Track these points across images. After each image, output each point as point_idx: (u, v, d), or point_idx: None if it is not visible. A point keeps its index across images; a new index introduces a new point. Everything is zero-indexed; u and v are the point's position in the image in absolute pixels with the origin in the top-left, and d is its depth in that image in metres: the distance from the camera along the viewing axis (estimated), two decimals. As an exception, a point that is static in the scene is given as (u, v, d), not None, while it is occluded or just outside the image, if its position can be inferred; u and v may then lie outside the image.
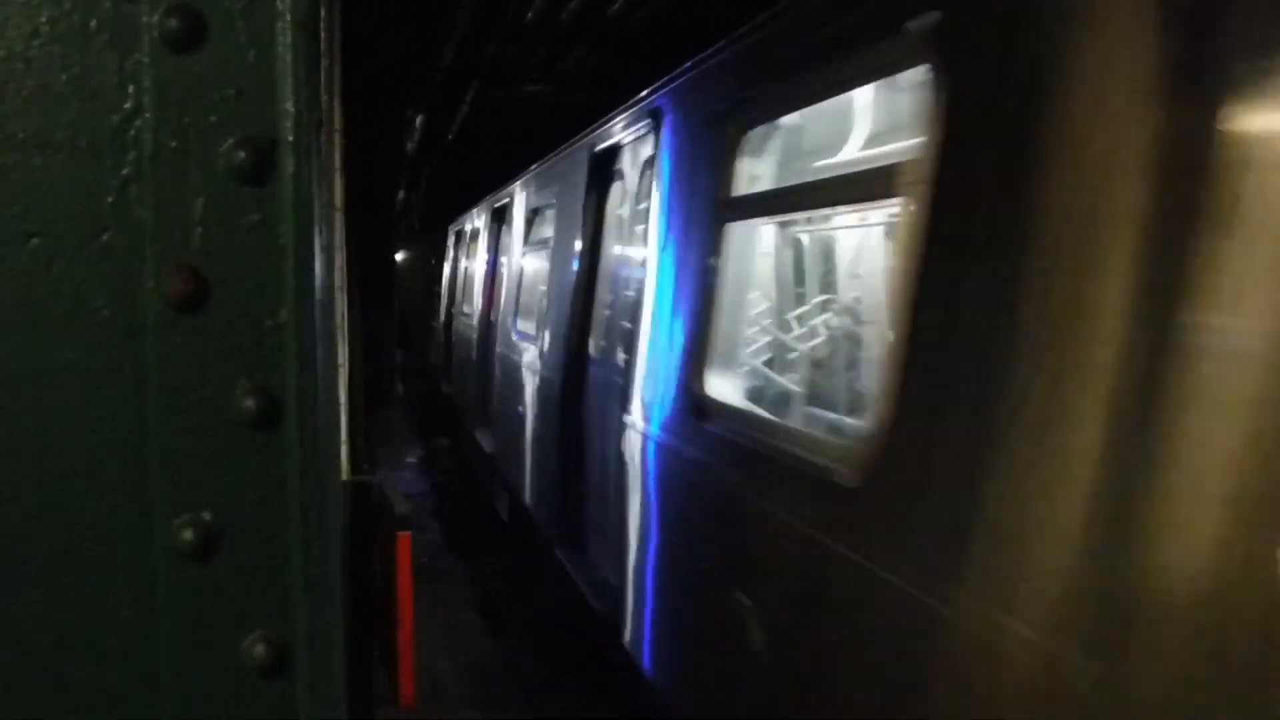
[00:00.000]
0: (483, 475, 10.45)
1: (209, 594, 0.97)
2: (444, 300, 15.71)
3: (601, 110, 6.23)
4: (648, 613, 4.76)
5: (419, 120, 12.39)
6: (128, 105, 0.93)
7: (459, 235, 14.85)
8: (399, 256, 22.60)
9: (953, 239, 2.46)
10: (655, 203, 4.97)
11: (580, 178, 6.56)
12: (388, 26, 7.20)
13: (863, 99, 4.22)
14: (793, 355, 4.82)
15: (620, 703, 5.49)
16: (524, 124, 11.68)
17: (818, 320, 4.81)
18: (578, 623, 5.81)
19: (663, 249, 4.76)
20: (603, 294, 6.24)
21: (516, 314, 8.93)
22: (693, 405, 4.08)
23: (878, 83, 3.56)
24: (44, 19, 0.92)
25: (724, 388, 4.09)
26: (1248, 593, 1.59)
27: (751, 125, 3.95)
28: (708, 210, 4.17)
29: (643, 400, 4.80)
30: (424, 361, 18.50)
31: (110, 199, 0.93)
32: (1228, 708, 1.63)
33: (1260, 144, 1.69)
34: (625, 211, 6.00)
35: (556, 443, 6.41)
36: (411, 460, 14.20)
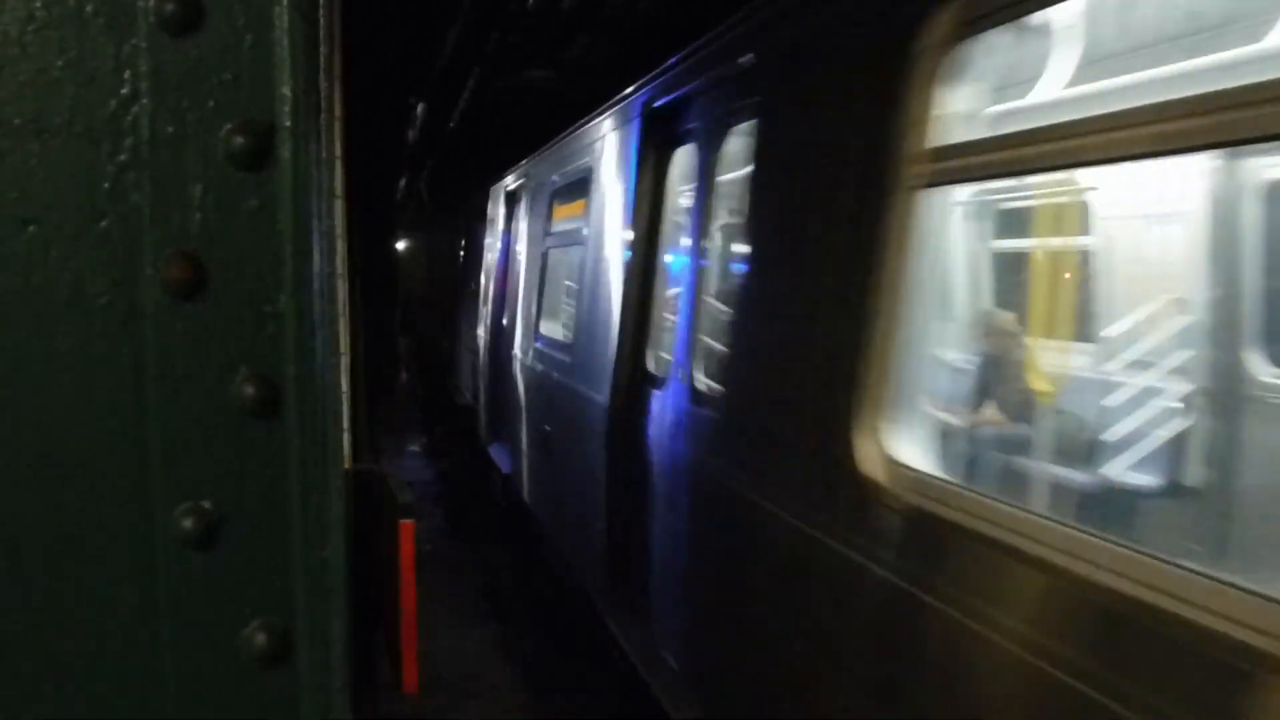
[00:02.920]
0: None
1: (210, 583, 0.96)
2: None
3: (607, 98, 6.24)
4: (522, 465, 8.42)
5: (420, 108, 12.35)
6: (125, 90, 0.92)
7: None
8: (402, 245, 22.62)
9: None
10: (524, 229, 9.11)
11: (500, 207, 10.70)
12: (390, 11, 7.17)
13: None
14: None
15: (623, 698, 5.51)
16: (527, 112, 11.64)
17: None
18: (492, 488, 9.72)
19: (531, 257, 8.62)
20: (511, 284, 9.92)
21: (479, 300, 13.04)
22: (535, 336, 8.06)
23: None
24: (39, 4, 0.91)
25: (549, 328, 8.22)
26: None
27: (556, 193, 7.94)
28: (541, 237, 8.23)
29: (520, 340, 8.70)
30: (427, 347, 18.57)
31: (108, 185, 0.92)
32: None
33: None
34: (520, 234, 9.54)
35: (489, 375, 10.31)
36: (415, 448, 14.21)
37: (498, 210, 11.27)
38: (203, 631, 0.97)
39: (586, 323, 6.26)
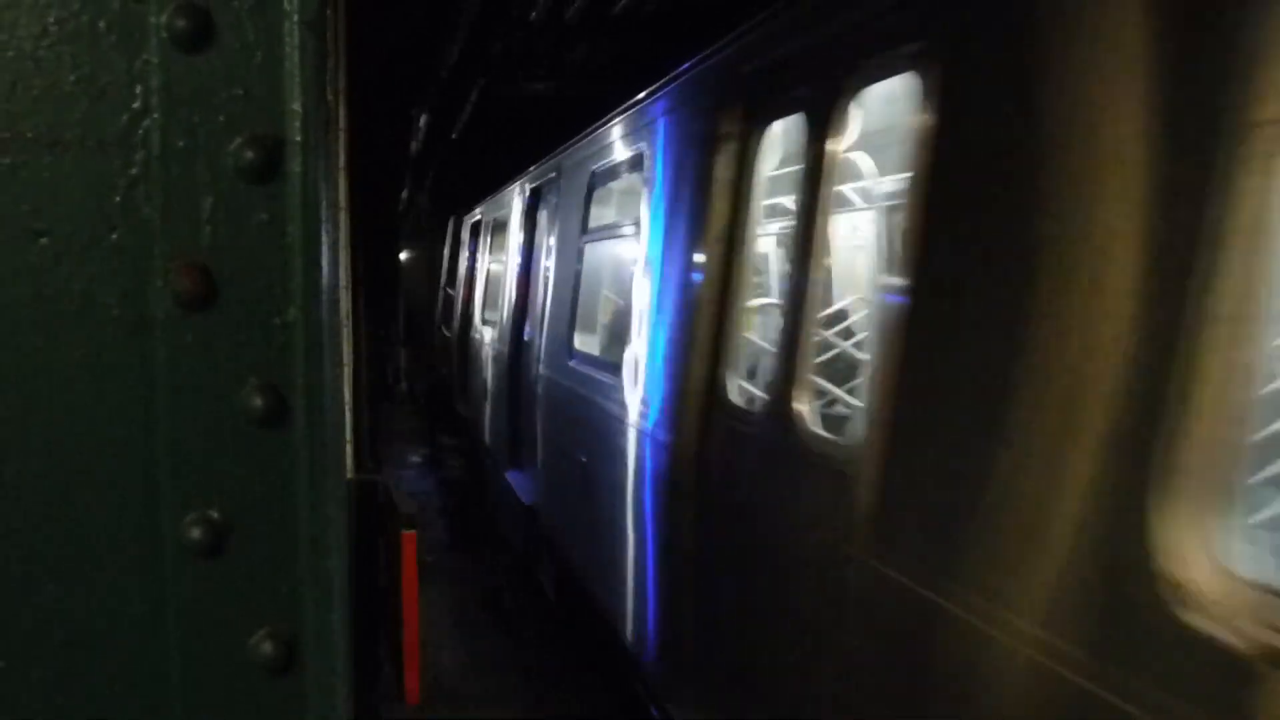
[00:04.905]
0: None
1: (217, 591, 0.97)
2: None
3: (610, 104, 6.29)
4: (544, 489, 7.57)
5: (423, 119, 12.40)
6: (136, 105, 0.93)
7: (457, 238, 17.49)
8: (404, 255, 22.68)
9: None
10: (551, 227, 8.19)
11: (520, 204, 9.69)
12: (393, 24, 7.20)
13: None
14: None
15: (626, 701, 5.50)
16: (531, 121, 11.68)
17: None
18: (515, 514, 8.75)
19: (551, 259, 7.94)
20: (530, 288, 9.20)
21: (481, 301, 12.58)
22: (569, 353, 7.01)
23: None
24: (52, 19, 0.92)
25: (582, 341, 7.05)
26: None
27: (593, 188, 6.70)
28: (576, 235, 6.99)
29: (542, 355, 7.75)
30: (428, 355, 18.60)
31: (119, 198, 0.93)
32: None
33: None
34: (542, 232, 8.77)
35: (506, 392, 9.40)
36: (416, 459, 14.21)
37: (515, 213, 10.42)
38: (210, 640, 0.97)
39: None
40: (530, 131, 11.16)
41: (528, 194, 9.31)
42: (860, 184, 4.89)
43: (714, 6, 6.14)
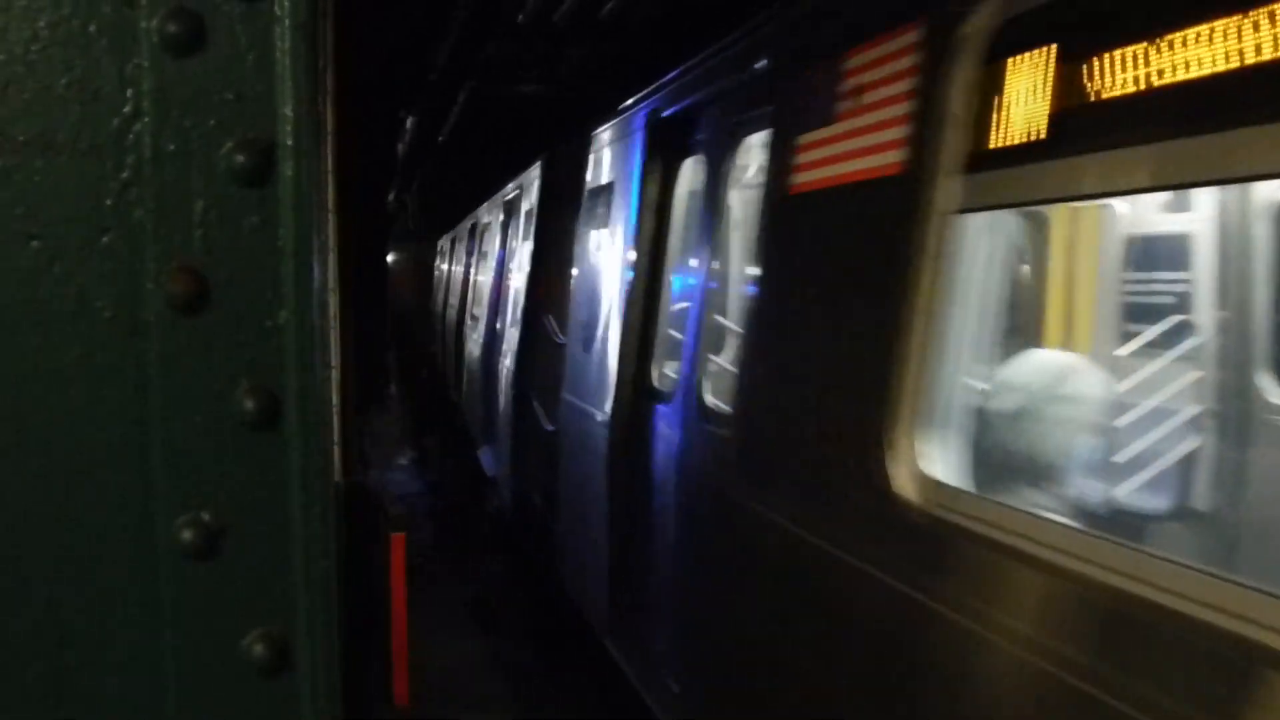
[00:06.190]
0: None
1: (210, 593, 0.98)
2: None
3: (605, 104, 6.32)
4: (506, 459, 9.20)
5: (411, 122, 12.37)
6: (128, 109, 0.94)
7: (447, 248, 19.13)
8: (393, 257, 22.68)
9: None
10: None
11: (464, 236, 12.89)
12: (382, 27, 7.19)
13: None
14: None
15: (615, 703, 5.50)
16: (521, 124, 11.67)
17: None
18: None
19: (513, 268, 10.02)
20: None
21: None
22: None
23: None
24: (43, 23, 0.92)
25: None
26: None
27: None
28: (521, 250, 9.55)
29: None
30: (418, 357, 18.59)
31: (111, 201, 0.94)
32: None
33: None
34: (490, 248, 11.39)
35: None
36: (404, 461, 14.19)
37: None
38: (203, 642, 0.98)
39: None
40: (527, 133, 11.16)
41: None
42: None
43: (708, 8, 6.16)
